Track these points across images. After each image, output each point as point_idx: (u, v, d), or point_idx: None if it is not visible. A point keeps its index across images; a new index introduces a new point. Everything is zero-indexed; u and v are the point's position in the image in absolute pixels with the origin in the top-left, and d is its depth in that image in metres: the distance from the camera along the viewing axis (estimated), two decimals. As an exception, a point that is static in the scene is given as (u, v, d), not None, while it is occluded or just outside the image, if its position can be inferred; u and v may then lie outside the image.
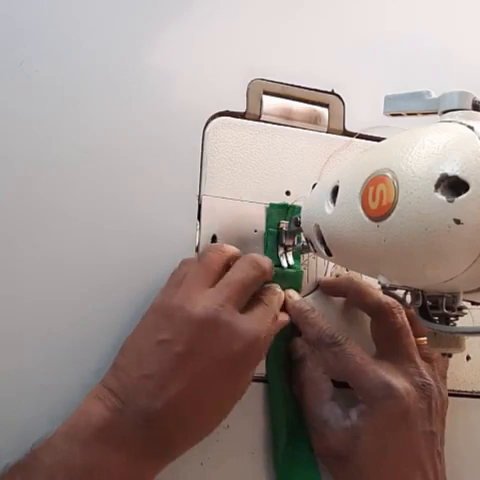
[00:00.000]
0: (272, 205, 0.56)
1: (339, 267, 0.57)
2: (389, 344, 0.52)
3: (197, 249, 0.54)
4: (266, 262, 0.51)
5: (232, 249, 0.51)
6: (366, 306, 0.54)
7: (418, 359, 0.52)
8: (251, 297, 0.50)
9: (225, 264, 0.50)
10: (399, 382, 0.50)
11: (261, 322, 0.48)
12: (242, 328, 0.46)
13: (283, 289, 0.53)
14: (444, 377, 0.54)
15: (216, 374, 0.46)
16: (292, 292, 0.54)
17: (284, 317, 0.52)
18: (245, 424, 0.53)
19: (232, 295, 0.47)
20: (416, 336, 0.53)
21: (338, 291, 0.56)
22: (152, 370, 0.45)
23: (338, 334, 0.51)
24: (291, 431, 0.53)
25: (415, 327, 0.53)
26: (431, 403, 0.51)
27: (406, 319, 0.52)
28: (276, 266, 0.54)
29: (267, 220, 0.56)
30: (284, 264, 0.55)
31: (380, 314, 0.53)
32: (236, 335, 0.46)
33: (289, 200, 0.56)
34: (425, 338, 0.50)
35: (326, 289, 0.56)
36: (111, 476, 0.44)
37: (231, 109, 0.57)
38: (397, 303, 0.52)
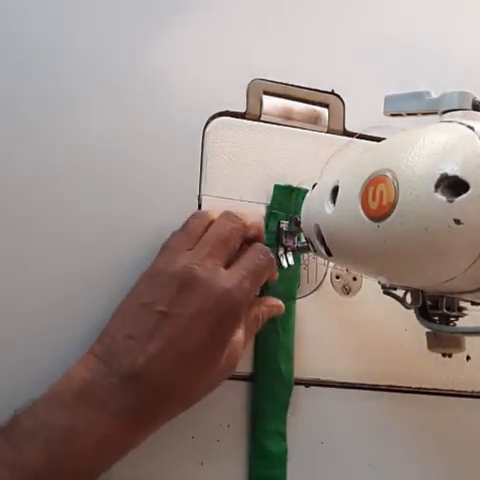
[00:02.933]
0: (277, 186, 0.56)
1: (339, 267, 0.57)
2: None
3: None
4: (247, 216, 0.51)
5: (214, 214, 0.52)
6: None
7: None
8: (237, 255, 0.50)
9: (207, 227, 0.51)
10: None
11: (235, 278, 0.48)
12: (216, 284, 0.47)
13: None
14: None
15: (195, 333, 0.46)
16: None
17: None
18: (245, 424, 0.53)
19: (211, 251, 0.48)
20: None
21: None
22: (135, 330, 0.46)
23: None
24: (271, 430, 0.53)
25: None
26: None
27: None
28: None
29: (271, 201, 0.56)
30: (284, 264, 0.55)
31: None
32: (210, 291, 0.46)
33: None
34: None
35: None
36: (94, 437, 0.44)
37: (231, 109, 0.56)
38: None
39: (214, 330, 0.46)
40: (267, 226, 0.55)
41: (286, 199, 0.56)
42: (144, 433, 0.47)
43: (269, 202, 0.56)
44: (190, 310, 0.46)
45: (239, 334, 0.49)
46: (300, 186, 0.56)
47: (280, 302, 0.53)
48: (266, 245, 0.54)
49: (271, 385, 0.53)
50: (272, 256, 0.51)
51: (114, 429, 0.44)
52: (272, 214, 0.56)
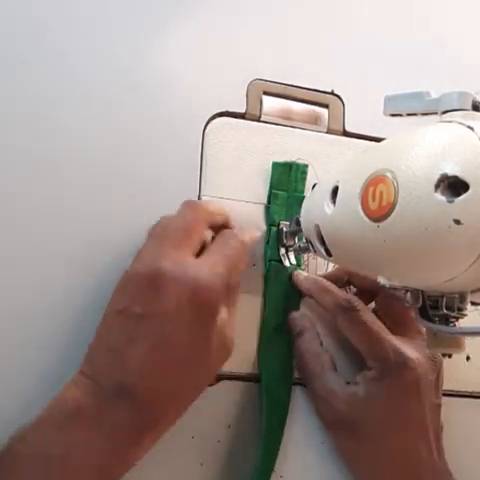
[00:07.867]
0: (275, 163, 0.56)
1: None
2: (399, 319, 0.53)
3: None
4: (209, 203, 0.51)
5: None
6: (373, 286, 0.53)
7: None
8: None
9: None
10: (412, 353, 0.50)
11: (206, 265, 0.44)
12: (187, 275, 0.43)
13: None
14: None
15: (176, 330, 0.43)
16: (299, 272, 0.55)
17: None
18: (245, 424, 0.53)
19: (174, 243, 0.45)
20: None
21: (341, 279, 0.56)
22: (114, 341, 0.43)
23: (355, 299, 0.52)
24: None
25: None
26: (439, 375, 0.52)
27: None
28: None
29: (271, 179, 0.56)
30: (286, 263, 0.54)
31: (388, 294, 0.52)
32: (182, 283, 0.43)
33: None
34: None
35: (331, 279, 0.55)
36: (92, 458, 0.42)
37: (231, 109, 0.56)
38: None
39: (195, 323, 0.43)
40: (269, 201, 0.55)
41: (285, 175, 0.56)
42: (144, 446, 0.44)
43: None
44: (166, 306, 0.43)
45: (223, 314, 0.45)
46: (298, 161, 0.56)
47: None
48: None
49: (274, 385, 0.53)
50: (241, 239, 0.48)
51: (113, 451, 0.42)
52: (273, 194, 0.55)
